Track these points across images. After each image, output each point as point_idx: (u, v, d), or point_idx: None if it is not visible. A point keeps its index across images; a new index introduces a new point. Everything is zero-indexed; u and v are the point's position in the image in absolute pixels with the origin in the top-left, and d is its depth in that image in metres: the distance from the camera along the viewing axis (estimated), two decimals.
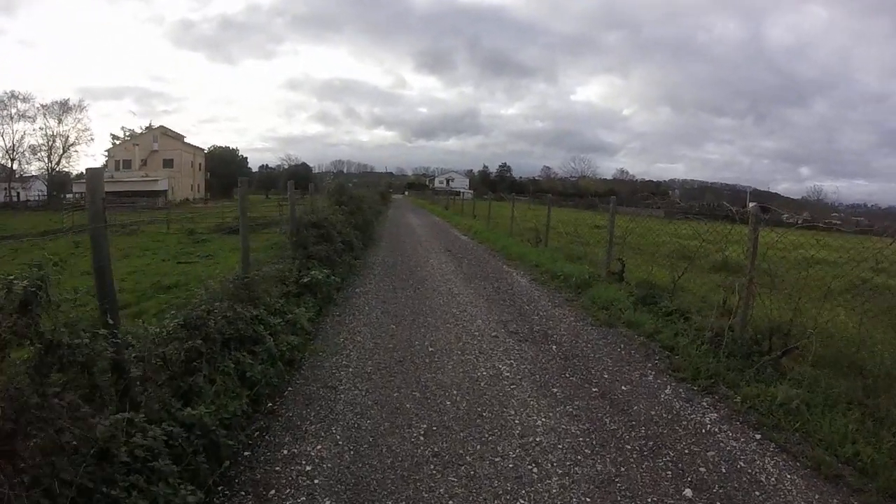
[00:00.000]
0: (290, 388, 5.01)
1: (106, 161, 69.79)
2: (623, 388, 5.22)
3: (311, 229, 9.31)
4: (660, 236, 12.31)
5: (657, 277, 9.48)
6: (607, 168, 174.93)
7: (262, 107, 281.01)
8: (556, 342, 6.60)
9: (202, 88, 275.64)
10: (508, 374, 5.49)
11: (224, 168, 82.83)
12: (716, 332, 6.36)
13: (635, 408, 4.77)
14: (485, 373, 5.50)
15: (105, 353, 3.30)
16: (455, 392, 4.99)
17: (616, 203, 10.50)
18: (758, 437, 4.29)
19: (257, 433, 4.18)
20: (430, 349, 6.23)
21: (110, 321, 3.49)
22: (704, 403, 4.92)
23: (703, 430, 4.38)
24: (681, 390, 5.21)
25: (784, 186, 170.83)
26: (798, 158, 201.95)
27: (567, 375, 5.49)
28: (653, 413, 4.67)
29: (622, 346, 6.54)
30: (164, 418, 3.69)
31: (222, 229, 24.59)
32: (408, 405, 4.69)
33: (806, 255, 6.93)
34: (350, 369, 5.53)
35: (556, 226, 18.53)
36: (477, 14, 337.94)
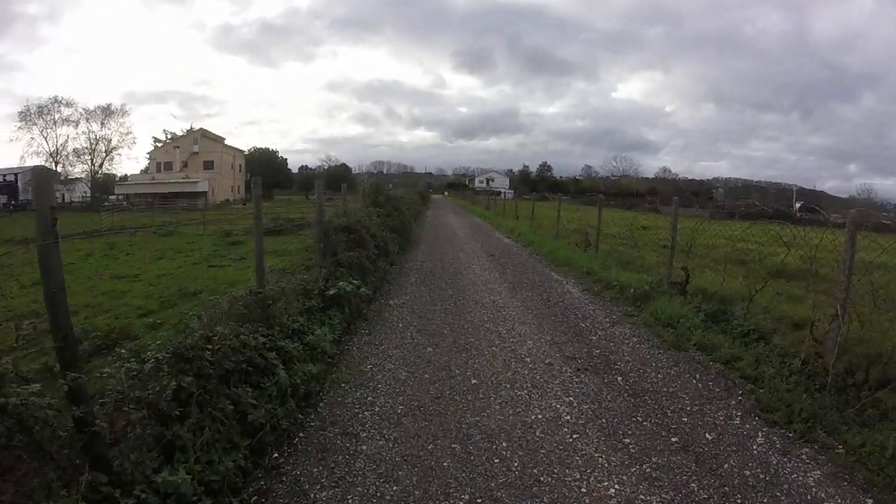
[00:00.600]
0: (301, 434, 4.14)
1: (148, 163, 71.22)
2: (707, 436, 4.22)
3: (342, 234, 8.48)
4: (717, 239, 11.25)
5: (720, 286, 8.48)
6: (649, 167, 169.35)
7: (303, 109, 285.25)
8: (621, 372, 5.59)
9: (244, 91, 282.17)
10: (569, 417, 4.50)
11: (264, 169, 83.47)
12: (804, 360, 5.30)
13: (726, 466, 3.77)
14: (540, 415, 4.51)
15: (44, 412, 2.53)
16: (504, 444, 4.02)
17: (678, 204, 9.33)
18: (869, 502, 3.38)
19: (255, 497, 3.32)
20: (473, 381, 5.26)
21: (56, 367, 2.69)
22: (804, 456, 3.93)
23: (809, 497, 3.42)
24: (775, 438, 4.20)
25: (831, 185, 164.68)
26: (845, 155, 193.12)
27: (639, 419, 4.49)
28: (747, 473, 3.68)
29: (697, 376, 5.51)
30: (138, 480, 2.90)
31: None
32: (445, 463, 3.75)
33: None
34: (376, 408, 4.61)
35: (601, 227, 17.53)
36: (516, 11, 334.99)
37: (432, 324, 7.30)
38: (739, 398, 4.96)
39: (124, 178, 69.40)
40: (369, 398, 4.82)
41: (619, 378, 5.40)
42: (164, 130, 78.72)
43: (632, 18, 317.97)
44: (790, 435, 4.24)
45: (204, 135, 72.37)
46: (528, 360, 5.90)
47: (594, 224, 17.59)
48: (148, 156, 72.60)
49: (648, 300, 8.39)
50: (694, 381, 5.36)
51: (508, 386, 5.14)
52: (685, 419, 4.50)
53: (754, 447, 4.06)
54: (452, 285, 10.08)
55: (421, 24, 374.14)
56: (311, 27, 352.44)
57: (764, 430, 4.34)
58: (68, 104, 65.98)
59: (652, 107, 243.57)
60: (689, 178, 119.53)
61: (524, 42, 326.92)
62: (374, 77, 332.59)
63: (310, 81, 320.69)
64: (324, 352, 5.34)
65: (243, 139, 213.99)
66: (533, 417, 4.47)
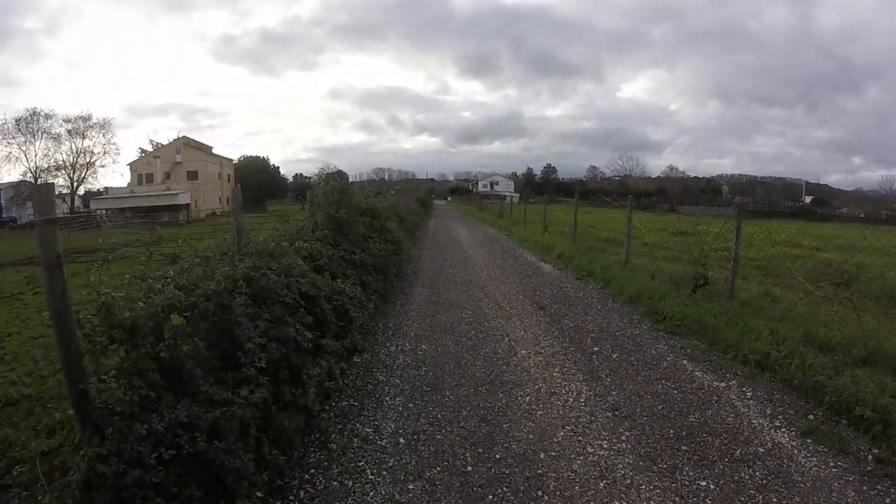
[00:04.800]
0: None
1: (130, 175, 65.78)
2: None
3: (177, 346, 2.77)
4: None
5: None
6: (655, 166, 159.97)
7: (306, 118, 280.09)
8: None
9: (246, 102, 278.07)
10: None
11: (255, 178, 78.01)
12: None
13: None
14: None
15: None
16: None
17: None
18: None
19: None
20: None
21: None
22: None
23: None
24: None
25: (835, 178, 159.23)
26: (850, 148, 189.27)
27: None
28: None
29: None
30: None
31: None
32: None
33: None
34: None
35: (637, 235, 12.30)
36: (520, 14, 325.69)
37: None
38: None
39: (103, 191, 63.49)
40: None
41: None
42: (151, 140, 72.55)
43: (636, 17, 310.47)
44: None
45: (187, 143, 67.09)
46: None
47: (631, 233, 12.00)
48: (129, 167, 67.06)
49: None
50: None
51: None
52: None
53: None
54: (494, 444, 4.04)
55: (424, 30, 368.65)
56: (312, 35, 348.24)
57: None
58: (47, 116, 60.93)
59: (656, 105, 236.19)
60: (695, 175, 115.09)
61: (529, 45, 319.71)
62: (378, 84, 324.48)
63: (312, 90, 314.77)
64: None
65: (246, 149, 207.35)
66: None
